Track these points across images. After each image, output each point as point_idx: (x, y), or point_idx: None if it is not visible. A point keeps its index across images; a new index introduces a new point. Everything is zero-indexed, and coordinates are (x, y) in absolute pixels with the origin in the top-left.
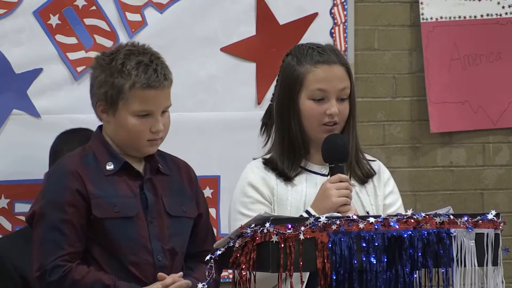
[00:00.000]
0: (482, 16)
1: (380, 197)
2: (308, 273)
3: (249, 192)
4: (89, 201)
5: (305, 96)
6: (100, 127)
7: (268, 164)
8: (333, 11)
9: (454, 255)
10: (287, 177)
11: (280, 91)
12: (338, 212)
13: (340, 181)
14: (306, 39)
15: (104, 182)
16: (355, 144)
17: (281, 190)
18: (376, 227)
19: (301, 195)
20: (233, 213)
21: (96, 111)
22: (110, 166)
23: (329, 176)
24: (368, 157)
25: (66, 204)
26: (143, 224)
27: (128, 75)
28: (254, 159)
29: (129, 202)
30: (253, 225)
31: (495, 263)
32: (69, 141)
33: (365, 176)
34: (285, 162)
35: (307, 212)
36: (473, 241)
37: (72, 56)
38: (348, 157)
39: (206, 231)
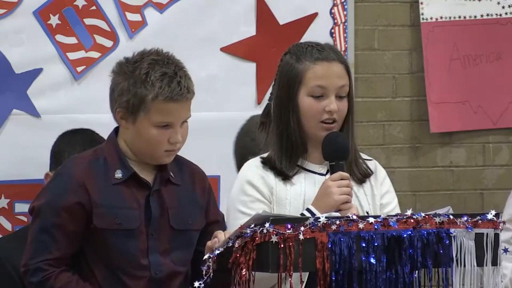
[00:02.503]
0: (482, 16)
1: (377, 196)
2: (307, 273)
3: (248, 190)
4: (91, 210)
5: (304, 93)
6: (116, 129)
7: (266, 163)
8: (333, 11)
9: (454, 255)
10: (285, 176)
11: (279, 89)
12: (340, 210)
13: (341, 179)
14: (306, 39)
15: (109, 191)
16: (354, 143)
17: (280, 189)
18: (375, 227)
19: (300, 194)
20: (233, 212)
21: (115, 116)
22: (118, 175)
23: (329, 175)
24: (364, 156)
25: (62, 210)
26: (143, 237)
27: (152, 86)
28: (251, 157)
29: (131, 214)
30: (252, 225)
31: (494, 263)
32: (70, 142)
33: (362, 175)
34: (283, 161)
35: (308, 210)
36: (473, 241)
37: (72, 56)
38: (348, 155)
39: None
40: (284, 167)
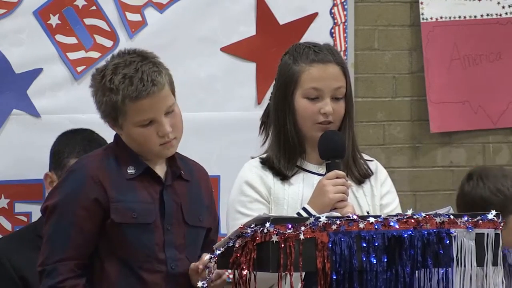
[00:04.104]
0: (482, 16)
1: (377, 197)
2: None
3: (247, 191)
4: (108, 206)
5: (300, 95)
6: None
7: (265, 163)
8: (333, 11)
9: (454, 255)
10: (284, 176)
11: (276, 90)
12: (335, 208)
13: (337, 178)
14: (306, 39)
15: (124, 186)
16: (352, 144)
17: (278, 189)
18: (376, 227)
19: (298, 194)
20: (232, 212)
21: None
22: (131, 170)
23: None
24: (365, 157)
25: (79, 207)
26: (159, 232)
27: (117, 91)
28: (253, 157)
29: (147, 208)
30: (253, 225)
31: (495, 263)
32: (70, 142)
33: (362, 176)
34: (281, 161)
35: (304, 209)
36: (473, 241)
37: (72, 56)
38: (345, 153)
39: (214, 241)
40: (282, 167)
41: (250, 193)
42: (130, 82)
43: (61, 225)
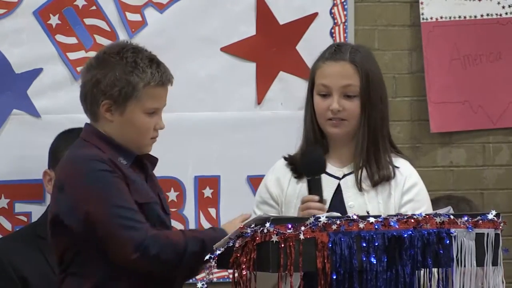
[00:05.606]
0: (482, 16)
1: (393, 200)
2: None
3: (262, 192)
4: (128, 186)
5: (315, 92)
6: (88, 124)
7: (288, 160)
8: (333, 11)
9: (454, 255)
10: (299, 175)
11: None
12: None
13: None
14: (306, 39)
15: (128, 172)
16: (371, 145)
17: (291, 189)
18: (376, 227)
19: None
20: (252, 210)
21: (97, 110)
22: (123, 161)
23: (344, 179)
24: (398, 161)
25: (118, 184)
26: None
27: (143, 73)
28: None
29: (149, 190)
30: (253, 225)
31: (495, 263)
32: (68, 141)
33: (380, 178)
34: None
35: None
36: (473, 241)
37: (72, 56)
38: (323, 170)
39: None
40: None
41: (263, 195)
42: (157, 68)
43: (115, 207)
